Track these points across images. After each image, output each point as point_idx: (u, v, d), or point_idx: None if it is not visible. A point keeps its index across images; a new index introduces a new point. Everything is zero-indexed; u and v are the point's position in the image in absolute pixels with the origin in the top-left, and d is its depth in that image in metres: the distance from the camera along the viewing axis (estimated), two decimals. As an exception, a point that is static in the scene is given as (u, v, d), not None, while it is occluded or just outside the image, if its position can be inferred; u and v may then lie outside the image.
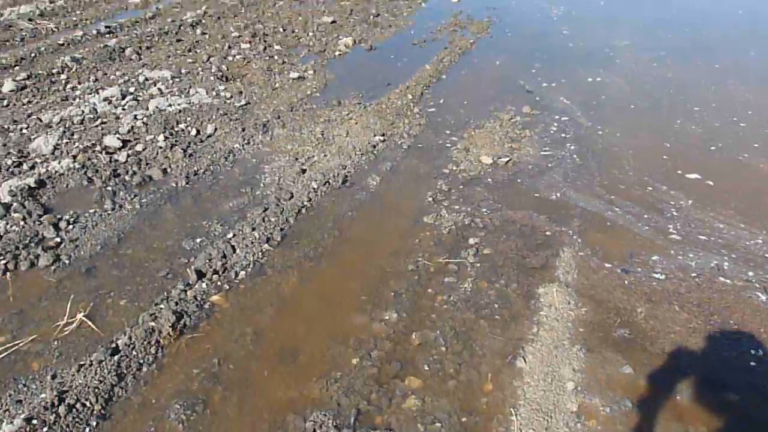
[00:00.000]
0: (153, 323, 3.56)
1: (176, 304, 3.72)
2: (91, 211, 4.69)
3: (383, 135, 5.99)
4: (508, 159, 5.72)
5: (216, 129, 5.96)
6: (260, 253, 4.28)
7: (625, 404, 3.21)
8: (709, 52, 9.27)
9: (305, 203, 4.85)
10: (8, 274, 4.02)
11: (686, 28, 10.69)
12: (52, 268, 4.09)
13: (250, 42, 8.66)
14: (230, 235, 4.38)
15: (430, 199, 5.05)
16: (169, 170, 5.31)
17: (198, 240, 4.41)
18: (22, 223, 4.45)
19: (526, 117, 6.76)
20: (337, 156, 5.57)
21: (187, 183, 5.12)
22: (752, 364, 3.52)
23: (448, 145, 5.97)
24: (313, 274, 4.11)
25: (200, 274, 4.01)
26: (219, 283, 4.00)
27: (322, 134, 5.94)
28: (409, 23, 10.28)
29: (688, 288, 4.14)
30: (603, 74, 8.26)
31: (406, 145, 5.91)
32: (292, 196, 4.89)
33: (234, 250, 4.25)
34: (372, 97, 7.02)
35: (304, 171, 5.24)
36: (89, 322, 3.64)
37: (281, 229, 4.53)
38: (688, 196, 5.28)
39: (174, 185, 5.09)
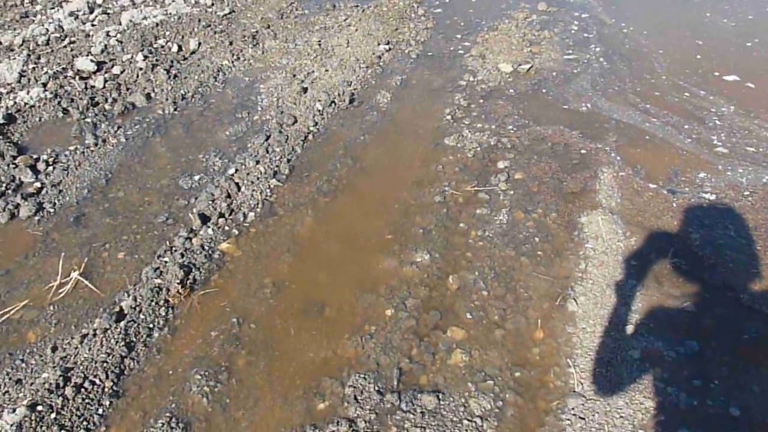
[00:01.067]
0: (159, 279, 3.10)
1: (182, 255, 3.26)
2: (71, 148, 4.12)
3: (388, 43, 5.33)
4: (529, 66, 5.12)
5: (200, 44, 5.25)
6: (268, 190, 3.80)
7: (691, 347, 2.87)
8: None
9: (311, 128, 4.30)
10: (-14, 228, 3.49)
11: None
12: (36, 218, 3.59)
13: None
14: (232, 171, 3.87)
15: (449, 117, 4.51)
16: (153, 95, 4.68)
17: (196, 177, 3.90)
18: (-7, 166, 3.86)
19: (543, 15, 6.07)
20: (339, 70, 4.93)
21: (175, 109, 4.51)
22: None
23: (461, 51, 5.33)
24: (329, 212, 3.66)
25: (204, 218, 3.55)
26: (226, 227, 3.54)
27: (320, 44, 5.26)
28: None
29: (743, 208, 3.72)
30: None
31: (415, 53, 5.27)
32: (295, 121, 4.32)
33: (239, 188, 3.75)
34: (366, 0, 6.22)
35: (305, 90, 4.63)
36: (86, 282, 3.20)
37: (288, 160, 4.02)
38: (728, 102, 4.78)
39: (161, 113, 4.49)
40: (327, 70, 4.87)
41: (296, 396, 2.71)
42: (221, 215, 3.59)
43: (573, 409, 2.63)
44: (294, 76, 4.81)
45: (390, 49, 5.20)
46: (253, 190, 3.77)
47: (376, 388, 2.73)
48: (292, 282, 3.26)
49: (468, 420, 2.57)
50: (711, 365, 2.80)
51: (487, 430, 2.52)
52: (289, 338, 2.96)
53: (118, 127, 4.33)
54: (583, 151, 4.19)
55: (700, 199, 3.83)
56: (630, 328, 3.01)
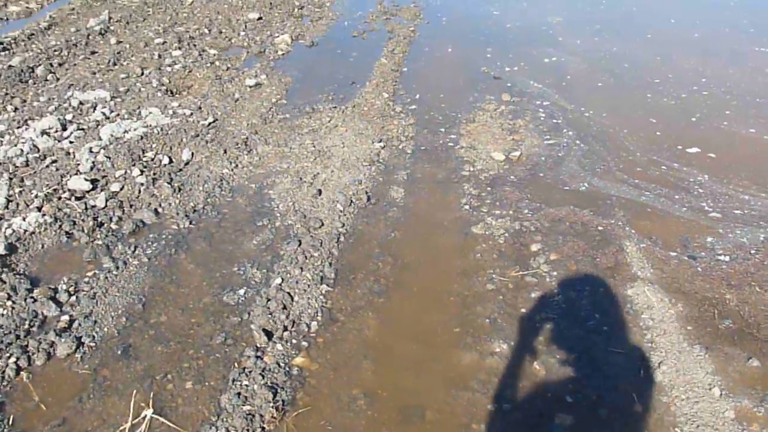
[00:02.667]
0: (248, 406, 2.92)
1: (262, 376, 3.08)
2: (89, 274, 3.85)
3: (381, 141, 5.53)
4: (519, 153, 5.49)
5: (193, 154, 5.17)
6: (321, 297, 3.70)
7: None
8: (635, 23, 9.65)
9: (340, 230, 4.29)
10: (23, 374, 3.17)
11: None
12: (78, 355, 3.30)
13: (179, 48, 7.69)
14: (278, 281, 3.76)
15: (467, 206, 4.69)
16: (160, 210, 4.51)
17: (241, 292, 3.76)
18: (9, 304, 3.53)
19: (510, 105, 6.56)
20: (344, 170, 5.03)
21: (190, 223, 4.38)
22: None
23: (451, 144, 5.63)
24: (389, 312, 3.67)
25: (268, 334, 3.37)
26: (294, 341, 3.39)
27: (314, 146, 5.37)
28: (337, 14, 9.73)
29: (756, 266, 4.11)
30: (555, 53, 8.28)
31: (409, 149, 5.50)
32: (322, 224, 4.31)
33: (292, 298, 3.64)
34: (344, 99, 6.48)
35: (320, 192, 4.67)
36: (161, 419, 2.92)
37: (330, 264, 3.97)
38: (701, 171, 5.35)
39: (176, 228, 4.34)
40: (332, 171, 4.95)
41: None
42: (285, 328, 3.46)
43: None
44: (301, 179, 4.84)
45: (384, 146, 5.38)
46: (308, 298, 3.68)
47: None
48: (381, 390, 3.18)
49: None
50: None
51: None
52: (404, 450, 2.85)
53: (135, 247, 4.12)
54: (600, 228, 4.48)
55: (718, 261, 4.16)
56: (716, 391, 3.15)
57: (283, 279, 3.84)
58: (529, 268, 4.06)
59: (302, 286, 3.79)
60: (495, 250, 4.24)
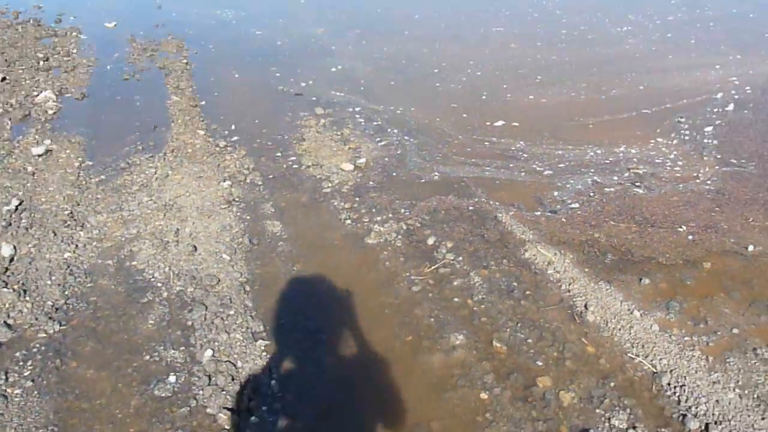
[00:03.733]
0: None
1: (257, 458, 2.82)
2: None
3: (225, 179, 5.28)
4: (364, 159, 5.68)
5: (15, 247, 4.36)
6: (264, 353, 3.49)
7: (674, 306, 3.77)
8: (388, 23, 10.57)
9: (241, 279, 4.06)
10: None
11: (349, 4, 11.79)
12: None
13: None
14: (209, 353, 3.45)
15: (348, 221, 4.75)
16: (12, 321, 3.75)
17: (171, 379, 3.36)
18: None
19: (328, 117, 6.73)
20: (205, 218, 4.71)
21: (60, 325, 3.74)
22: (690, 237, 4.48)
23: (296, 166, 5.60)
24: (339, 345, 3.63)
25: (234, 411, 3.08)
26: (265, 407, 3.15)
27: (156, 202, 4.91)
28: (91, 60, 8.79)
29: (600, 204, 4.93)
30: (337, 62, 8.65)
31: (258, 180, 5.35)
32: (218, 280, 4.01)
33: (235, 366, 3.36)
34: (156, 145, 5.99)
35: (195, 248, 4.30)
36: None
37: (252, 317, 3.75)
38: (515, 139, 6.14)
39: (45, 335, 3.66)
40: (193, 223, 4.59)
41: None
42: (249, 399, 3.17)
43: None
44: (162, 240, 4.40)
45: (232, 183, 5.14)
46: (252, 359, 3.42)
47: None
48: (380, 423, 3.10)
49: None
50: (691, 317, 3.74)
51: None
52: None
53: (6, 374, 3.36)
54: (471, 208, 4.90)
55: (572, 210, 4.87)
56: (636, 313, 3.74)
57: (213, 349, 3.42)
58: (437, 261, 4.23)
59: (238, 349, 3.44)
60: (398, 254, 4.33)
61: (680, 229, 4.57)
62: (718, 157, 5.71)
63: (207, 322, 3.64)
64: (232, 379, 3.27)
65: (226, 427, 3.03)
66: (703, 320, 3.68)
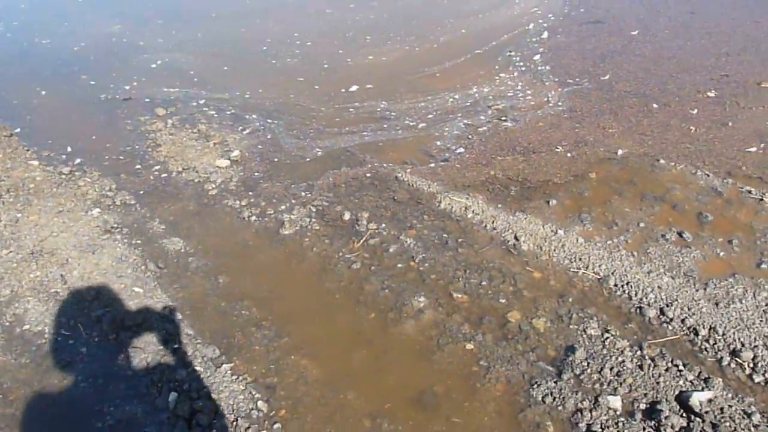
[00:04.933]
0: None
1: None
2: None
3: (92, 207, 4.69)
4: (237, 151, 5.39)
5: None
6: (252, 393, 3.24)
7: (586, 218, 4.19)
8: (192, 10, 9.89)
9: (173, 317, 3.70)
10: None
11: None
12: None
13: None
14: (173, 400, 3.08)
15: (253, 217, 4.51)
16: None
17: None
18: None
19: (174, 116, 6.23)
20: (90, 255, 4.13)
21: None
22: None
23: (165, 174, 5.14)
24: (315, 354, 3.43)
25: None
26: (263, 432, 2.95)
27: (19, 252, 4.21)
28: None
29: (482, 144, 5.24)
30: (156, 57, 8.00)
31: (130, 199, 4.82)
32: (143, 318, 3.62)
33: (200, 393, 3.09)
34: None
35: (96, 291, 3.82)
36: None
37: (215, 359, 3.43)
38: (376, 100, 6.23)
39: None
40: (78, 263, 4.05)
41: None
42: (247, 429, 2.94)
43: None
44: (48, 292, 3.83)
45: (102, 210, 4.59)
46: (225, 388, 3.15)
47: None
48: (391, 401, 3.06)
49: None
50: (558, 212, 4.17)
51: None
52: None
53: None
54: (368, 175, 4.90)
55: (459, 154, 5.11)
56: (561, 232, 4.07)
57: (176, 391, 3.07)
58: (363, 234, 4.17)
59: (204, 382, 3.11)
60: (320, 237, 4.19)
61: (558, 150, 4.97)
62: (556, 80, 6.26)
63: (153, 364, 3.18)
64: (215, 414, 2.89)
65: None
66: (613, 223, 4.06)
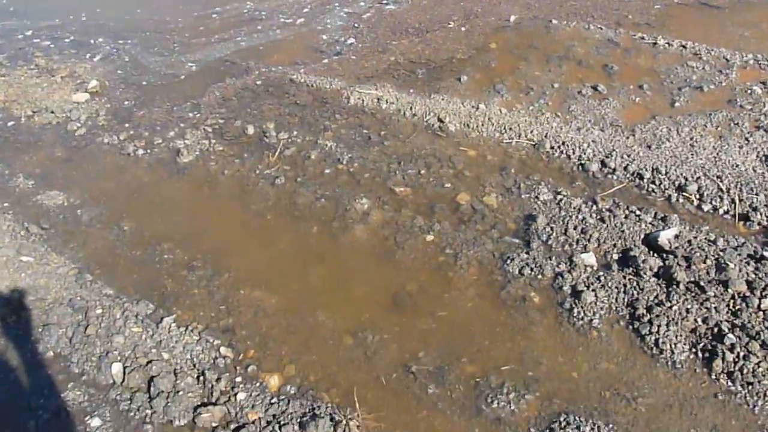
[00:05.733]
0: None
1: None
2: None
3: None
4: (95, 81, 4.61)
5: None
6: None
7: (501, 88, 4.07)
8: None
9: (72, 272, 3.13)
10: None
11: None
12: None
13: None
14: (117, 372, 2.64)
15: (140, 150, 3.91)
16: None
17: None
18: None
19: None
20: None
21: None
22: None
23: (12, 122, 4.30)
24: (286, 283, 3.07)
25: None
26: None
27: None
28: None
29: (372, 30, 4.88)
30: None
31: None
32: (46, 289, 3.04)
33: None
34: None
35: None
36: None
37: (147, 302, 2.96)
38: (241, 2, 5.55)
39: None
40: None
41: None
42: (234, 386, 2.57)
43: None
44: None
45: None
46: (178, 344, 2.74)
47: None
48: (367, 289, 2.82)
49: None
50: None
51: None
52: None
53: None
54: (259, 82, 4.41)
55: (351, 45, 4.71)
56: (481, 107, 3.91)
57: (120, 362, 2.60)
58: (275, 146, 3.76)
59: (149, 343, 2.67)
60: (228, 157, 3.72)
61: (451, 25, 4.73)
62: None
63: (77, 339, 2.64)
64: (175, 374, 2.47)
65: None
66: (529, 89, 3.97)
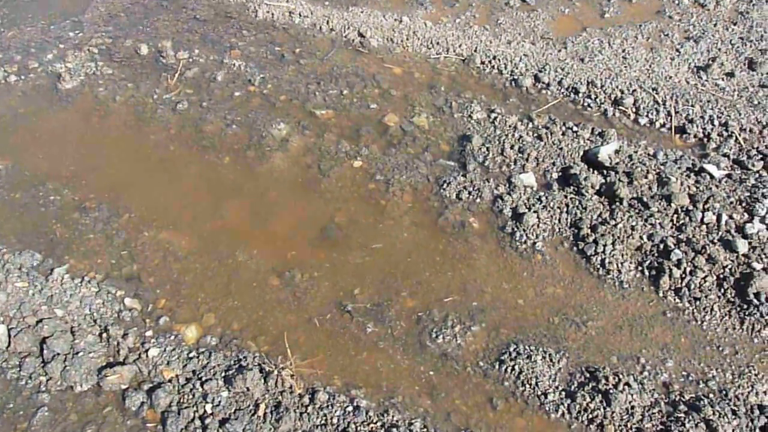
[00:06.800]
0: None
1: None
2: None
3: None
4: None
5: None
6: None
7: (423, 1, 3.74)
8: None
9: None
10: None
11: None
12: None
13: None
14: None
15: (12, 77, 3.36)
16: None
17: None
18: None
19: None
20: None
21: None
22: None
23: None
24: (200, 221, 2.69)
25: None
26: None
27: None
28: None
29: None
30: None
31: None
32: None
33: None
34: None
35: None
36: None
37: (35, 253, 2.53)
38: None
39: None
40: None
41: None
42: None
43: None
44: None
45: None
46: (81, 294, 2.35)
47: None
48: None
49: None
50: None
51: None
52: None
53: None
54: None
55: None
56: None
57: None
58: (174, 68, 3.30)
59: (37, 299, 2.27)
60: (118, 82, 3.27)
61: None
62: None
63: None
64: (72, 334, 2.10)
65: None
66: (454, 0, 3.63)
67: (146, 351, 2.10)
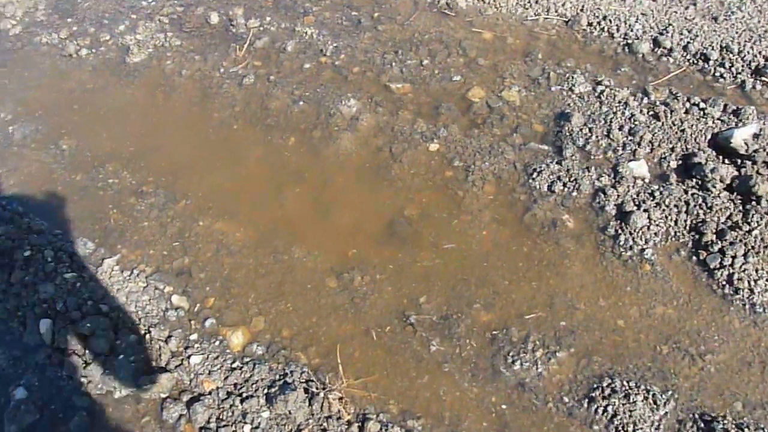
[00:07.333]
0: None
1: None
2: None
3: None
4: None
5: None
6: None
7: None
8: None
9: None
10: None
11: None
12: None
13: None
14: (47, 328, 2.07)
15: (84, 50, 3.25)
16: None
17: None
18: None
19: None
20: None
21: None
22: None
23: None
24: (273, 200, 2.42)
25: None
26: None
27: None
28: None
29: None
30: None
31: None
32: None
33: None
34: None
35: None
36: None
37: (87, 240, 2.35)
38: None
39: None
40: None
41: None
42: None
43: None
44: None
45: None
46: (130, 287, 2.14)
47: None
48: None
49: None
50: None
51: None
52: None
53: None
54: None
55: None
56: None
57: (50, 318, 2.04)
58: (244, 37, 3.01)
59: (90, 287, 2.09)
60: (186, 54, 3.08)
61: None
62: None
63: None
64: (115, 333, 1.91)
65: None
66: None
67: (188, 357, 1.90)
